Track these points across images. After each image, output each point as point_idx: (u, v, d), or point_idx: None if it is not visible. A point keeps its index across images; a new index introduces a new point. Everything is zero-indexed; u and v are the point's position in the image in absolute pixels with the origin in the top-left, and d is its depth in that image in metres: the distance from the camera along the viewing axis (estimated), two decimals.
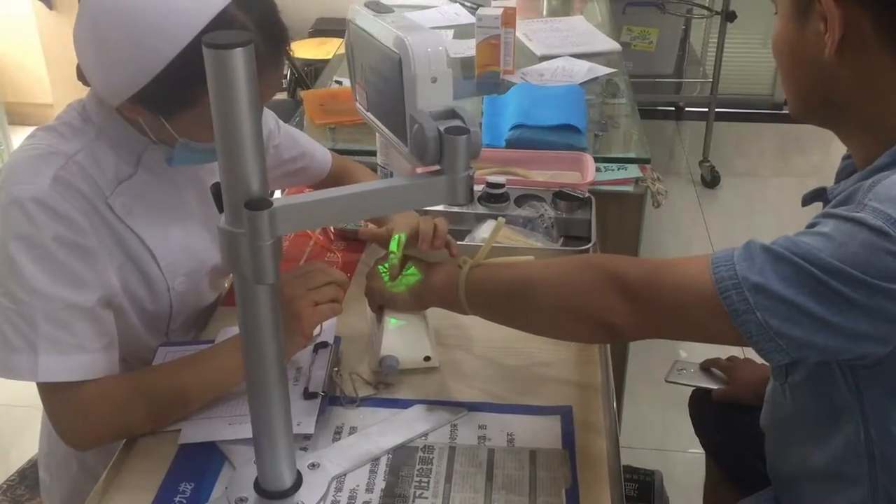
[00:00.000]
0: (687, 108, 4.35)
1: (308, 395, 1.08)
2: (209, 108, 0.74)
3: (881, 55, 0.86)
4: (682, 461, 2.19)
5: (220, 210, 0.79)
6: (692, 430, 1.53)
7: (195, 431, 1.05)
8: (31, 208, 0.99)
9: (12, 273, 0.99)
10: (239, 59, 0.71)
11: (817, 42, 0.88)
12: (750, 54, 4.24)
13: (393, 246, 1.16)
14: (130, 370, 1.16)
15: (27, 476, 1.80)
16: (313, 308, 1.06)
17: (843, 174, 1.01)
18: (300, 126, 2.01)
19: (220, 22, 0.97)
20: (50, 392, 1.03)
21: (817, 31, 0.88)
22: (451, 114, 0.83)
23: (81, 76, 1.07)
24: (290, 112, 2.19)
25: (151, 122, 1.05)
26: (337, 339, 1.19)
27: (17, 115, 3.91)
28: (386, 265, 1.16)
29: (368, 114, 0.99)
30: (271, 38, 1.01)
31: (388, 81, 0.87)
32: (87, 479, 1.23)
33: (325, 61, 3.01)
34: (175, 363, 1.09)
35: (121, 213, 1.09)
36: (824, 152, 3.88)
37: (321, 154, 1.45)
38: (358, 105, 1.02)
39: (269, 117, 1.35)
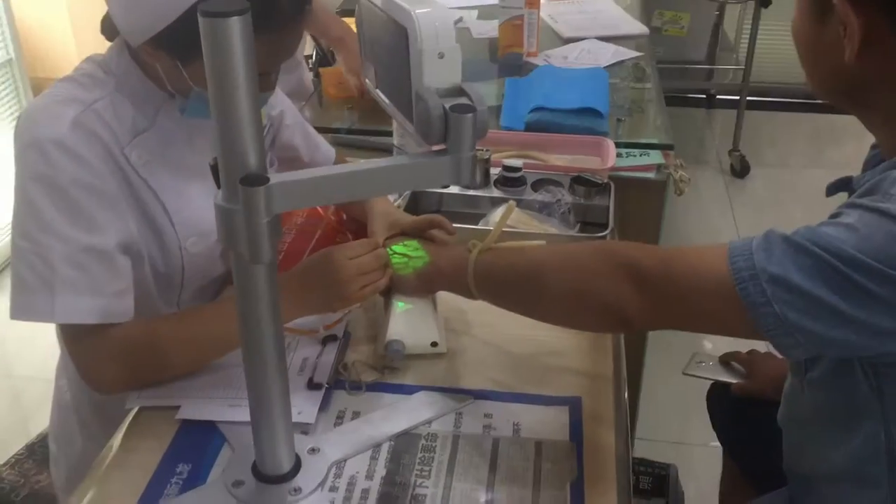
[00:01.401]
0: (718, 96, 4.26)
1: (312, 385, 1.06)
2: None
3: None
4: (700, 455, 2.15)
5: (218, 186, 0.77)
6: (710, 423, 1.49)
7: (194, 409, 1.03)
8: (51, 150, 0.99)
9: (30, 214, 1.00)
10: (235, 28, 0.69)
11: (837, 44, 0.85)
12: (784, 41, 4.11)
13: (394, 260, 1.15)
14: None
15: (36, 451, 1.81)
16: (359, 276, 1.08)
17: (870, 164, 0.97)
18: (319, 104, 1.99)
19: None
20: (72, 337, 1.04)
21: (837, 35, 0.84)
22: (459, 91, 0.80)
23: (105, 29, 1.09)
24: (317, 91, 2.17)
25: (169, 69, 1.04)
26: (347, 335, 1.16)
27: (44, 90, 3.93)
28: (394, 248, 1.14)
29: (377, 91, 0.96)
30: None
31: (395, 57, 0.84)
32: (93, 450, 1.23)
33: None
34: (201, 309, 1.12)
35: (136, 165, 1.08)
36: (858, 143, 3.75)
37: (325, 147, 1.43)
38: (367, 82, 0.99)
39: (283, 96, 1.32)
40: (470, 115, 0.77)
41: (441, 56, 0.80)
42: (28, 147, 1.00)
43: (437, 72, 0.80)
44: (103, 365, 1.04)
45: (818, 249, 0.78)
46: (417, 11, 0.79)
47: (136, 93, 1.09)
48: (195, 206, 1.15)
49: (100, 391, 1.07)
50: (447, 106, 0.77)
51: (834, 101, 0.93)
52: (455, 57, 0.80)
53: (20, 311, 1.01)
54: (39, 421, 2.11)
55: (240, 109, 0.72)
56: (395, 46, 0.84)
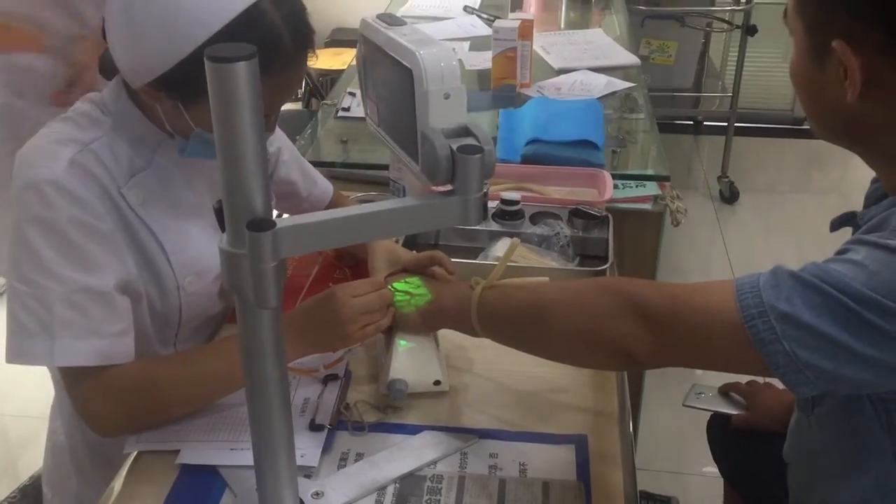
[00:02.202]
0: (706, 123, 4.30)
1: (314, 426, 1.04)
2: None
3: None
4: (698, 485, 2.14)
5: (223, 229, 0.76)
6: (709, 452, 1.48)
7: (194, 453, 1.01)
8: (48, 191, 0.99)
9: (28, 256, 0.99)
10: (242, 73, 0.68)
11: (837, 85, 0.85)
12: (770, 69, 4.18)
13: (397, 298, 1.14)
14: None
15: (28, 493, 1.77)
16: (361, 315, 1.07)
17: (872, 198, 0.97)
18: (313, 137, 1.99)
19: (252, 13, 0.96)
20: (72, 379, 1.03)
21: (836, 76, 0.84)
22: (465, 131, 0.79)
23: (104, 67, 1.08)
24: (304, 123, 2.17)
25: (170, 110, 1.03)
26: (348, 374, 1.15)
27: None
28: (396, 285, 1.13)
29: (379, 129, 0.95)
30: (299, 35, 1.01)
31: (400, 97, 0.83)
32: (89, 493, 1.21)
33: (341, 72, 2.99)
34: (201, 349, 1.11)
35: (133, 205, 1.07)
36: (844, 169, 3.82)
37: (323, 182, 1.43)
38: (368, 120, 0.99)
39: (280, 133, 1.32)
40: (478, 156, 0.76)
41: (447, 97, 0.79)
42: (25, 189, 0.99)
43: (443, 112, 0.79)
44: (103, 406, 1.03)
45: (827, 286, 0.78)
46: (422, 52, 0.79)
47: (134, 133, 1.08)
48: (193, 246, 1.13)
49: (100, 433, 1.05)
50: (454, 147, 0.77)
51: (835, 141, 0.93)
52: (460, 97, 0.80)
53: (18, 355, 0.99)
54: (29, 461, 2.07)
55: (246, 154, 0.71)
56: (398, 86, 0.83)
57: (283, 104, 1.07)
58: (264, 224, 0.72)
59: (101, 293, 1.01)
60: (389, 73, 0.85)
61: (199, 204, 1.15)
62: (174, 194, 1.12)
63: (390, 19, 0.90)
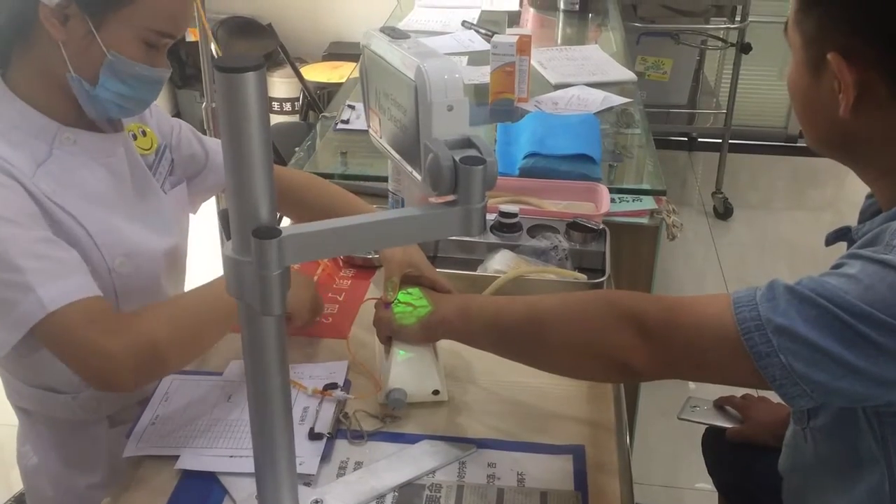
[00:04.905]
0: (700, 139, 4.33)
1: (313, 435, 1.05)
2: (143, 12, 0.84)
3: None
4: (691, 498, 2.14)
5: (228, 237, 0.77)
6: (704, 466, 1.49)
7: (194, 459, 1.02)
8: None
9: None
10: (251, 83, 0.69)
11: (831, 99, 0.86)
12: (764, 86, 4.22)
13: (389, 291, 1.15)
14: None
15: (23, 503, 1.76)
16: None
17: (867, 213, 0.98)
18: (312, 149, 2.00)
19: None
20: (67, 334, 0.99)
21: (831, 89, 0.86)
22: (467, 143, 0.81)
23: None
24: (302, 135, 2.18)
25: (79, 40, 1.03)
26: (347, 383, 1.16)
27: None
28: (399, 296, 1.14)
29: (381, 141, 0.97)
30: None
31: (403, 108, 0.85)
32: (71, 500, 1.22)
33: (339, 85, 3.01)
34: (195, 290, 1.11)
35: (48, 193, 1.06)
36: (838, 186, 3.85)
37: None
38: (371, 132, 1.00)
39: (167, 115, 1.33)
40: (480, 167, 0.77)
41: (450, 108, 0.81)
42: None
43: (446, 124, 0.81)
44: (114, 341, 0.99)
45: (822, 300, 0.79)
46: (426, 64, 0.80)
47: (28, 125, 1.08)
48: (114, 229, 1.13)
49: (118, 382, 1.01)
50: (457, 158, 0.78)
51: (829, 154, 0.95)
52: (463, 109, 0.81)
53: (15, 329, 0.97)
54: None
55: (253, 163, 0.72)
56: (402, 98, 0.85)
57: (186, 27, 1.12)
58: (270, 232, 0.73)
59: (54, 240, 1.02)
60: (393, 86, 0.87)
61: (106, 193, 1.15)
62: (81, 183, 1.12)
63: (393, 32, 0.91)
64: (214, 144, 1.36)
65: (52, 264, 0.99)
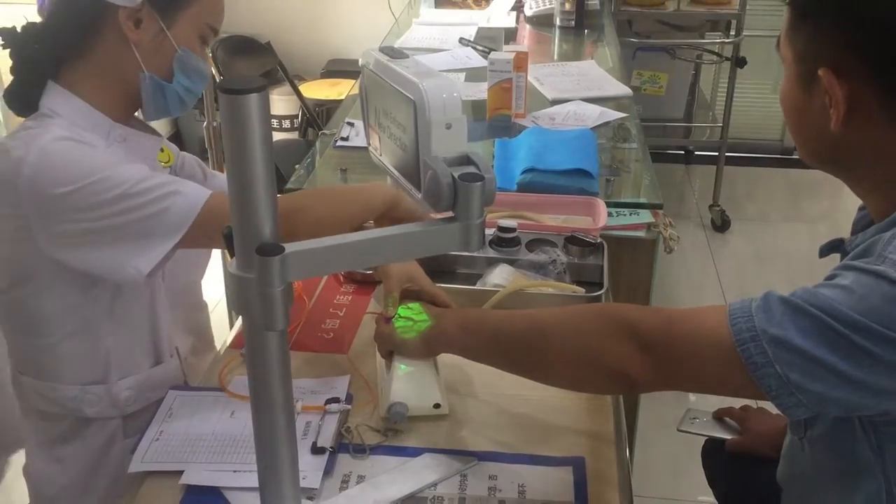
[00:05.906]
0: (696, 152, 4.36)
1: (316, 449, 1.06)
2: (205, 8, 0.96)
3: (889, 126, 0.86)
4: None
5: (232, 255, 0.78)
6: (704, 478, 1.49)
7: (199, 474, 1.03)
8: (59, 145, 1.05)
9: (93, 185, 1.04)
10: (254, 104, 0.71)
11: (823, 113, 0.88)
12: (759, 100, 4.26)
13: (389, 306, 1.16)
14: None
15: None
16: None
17: (859, 225, 1.00)
18: (311, 166, 2.02)
19: None
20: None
21: (823, 103, 0.88)
22: (466, 160, 0.82)
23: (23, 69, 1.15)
24: (301, 153, 2.20)
25: (150, 39, 1.11)
26: (349, 396, 1.17)
27: None
28: (399, 311, 1.15)
29: (381, 158, 0.98)
30: None
31: (403, 127, 0.86)
32: None
33: (338, 102, 3.03)
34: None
35: None
36: (835, 198, 3.87)
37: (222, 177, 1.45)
38: (370, 149, 1.02)
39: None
40: (479, 183, 0.79)
41: (448, 127, 0.82)
42: (40, 158, 1.04)
43: (445, 141, 0.82)
44: None
45: (816, 311, 0.81)
46: (425, 84, 0.82)
47: (87, 123, 1.13)
48: None
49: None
50: (456, 175, 0.79)
51: (821, 168, 0.96)
52: (461, 127, 0.83)
53: (169, 235, 1.06)
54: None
55: (256, 181, 0.74)
56: (401, 116, 0.86)
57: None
58: (273, 249, 0.74)
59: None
60: (392, 104, 0.88)
61: None
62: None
63: (392, 52, 0.93)
64: (219, 181, 1.41)
65: (172, 178, 1.10)
